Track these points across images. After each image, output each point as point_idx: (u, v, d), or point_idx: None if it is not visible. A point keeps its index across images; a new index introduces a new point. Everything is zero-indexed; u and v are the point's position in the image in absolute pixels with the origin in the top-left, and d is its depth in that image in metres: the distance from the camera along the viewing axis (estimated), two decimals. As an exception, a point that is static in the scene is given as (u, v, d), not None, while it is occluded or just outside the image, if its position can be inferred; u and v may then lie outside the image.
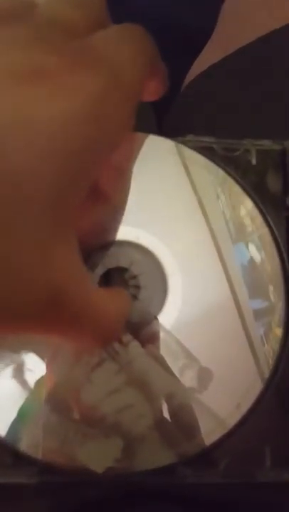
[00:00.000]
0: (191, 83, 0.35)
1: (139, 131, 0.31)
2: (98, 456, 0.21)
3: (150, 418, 0.22)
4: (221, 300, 0.24)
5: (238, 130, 0.28)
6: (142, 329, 0.23)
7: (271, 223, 0.25)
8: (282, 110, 0.29)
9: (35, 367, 0.22)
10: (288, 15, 0.31)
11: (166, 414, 0.22)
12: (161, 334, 0.23)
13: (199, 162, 0.25)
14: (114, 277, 0.24)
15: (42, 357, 0.22)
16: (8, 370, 0.22)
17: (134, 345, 0.22)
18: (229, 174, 0.25)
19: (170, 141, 0.25)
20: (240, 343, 0.23)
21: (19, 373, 0.22)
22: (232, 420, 0.22)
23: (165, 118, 0.34)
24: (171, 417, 0.22)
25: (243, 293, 0.24)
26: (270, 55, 0.31)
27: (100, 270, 0.23)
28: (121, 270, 0.24)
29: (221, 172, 0.25)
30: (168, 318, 0.23)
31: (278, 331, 0.23)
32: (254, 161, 0.26)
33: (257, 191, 0.25)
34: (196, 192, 0.25)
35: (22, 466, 0.21)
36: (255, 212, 0.25)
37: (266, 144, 0.26)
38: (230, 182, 0.25)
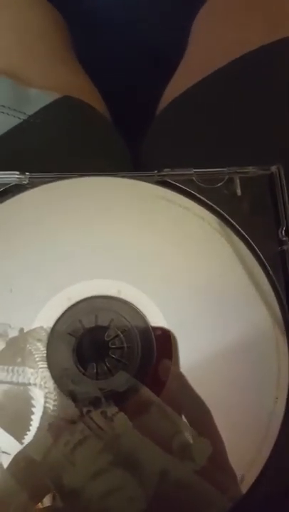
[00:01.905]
0: (165, 111, 0.33)
1: (113, 165, 0.29)
2: None
3: (142, 501, 0.19)
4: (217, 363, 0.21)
5: (216, 159, 0.25)
6: (129, 399, 0.21)
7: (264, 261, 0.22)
8: (264, 134, 0.27)
9: (10, 448, 0.20)
10: (262, 37, 0.29)
11: (161, 495, 0.19)
12: (152, 403, 0.21)
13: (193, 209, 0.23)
14: (92, 339, 0.22)
15: (17, 437, 0.20)
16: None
17: (121, 418, 0.20)
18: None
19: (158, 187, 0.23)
20: (241, 407, 0.20)
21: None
22: (236, 494, 0.20)
23: (139, 148, 0.32)
24: (167, 498, 0.19)
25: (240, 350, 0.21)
26: (246, 77, 0.29)
27: (74, 333, 0.21)
28: (100, 329, 0.22)
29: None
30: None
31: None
32: (239, 192, 0.23)
33: (245, 225, 0.23)
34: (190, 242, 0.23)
35: None
36: (246, 252, 0.22)
37: (251, 170, 0.24)
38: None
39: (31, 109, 0.29)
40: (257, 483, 0.20)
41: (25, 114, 0.28)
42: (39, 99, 0.29)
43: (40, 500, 0.19)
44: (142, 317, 0.22)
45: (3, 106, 0.28)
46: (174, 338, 0.21)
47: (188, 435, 0.20)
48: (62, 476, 0.19)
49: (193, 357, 0.21)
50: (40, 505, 0.19)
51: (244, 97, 0.29)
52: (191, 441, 0.20)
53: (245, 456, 0.20)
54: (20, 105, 0.28)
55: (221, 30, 0.33)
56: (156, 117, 0.34)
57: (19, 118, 0.28)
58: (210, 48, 0.33)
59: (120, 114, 0.36)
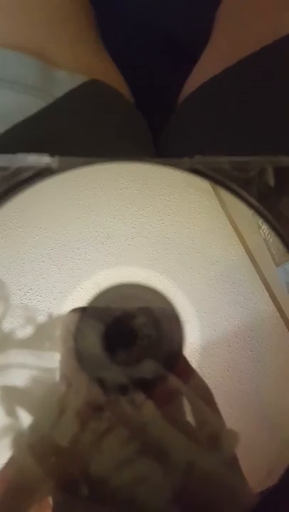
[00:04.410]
0: (189, 98, 0.32)
1: (137, 149, 0.29)
2: None
3: (169, 491, 0.19)
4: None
5: (240, 148, 0.25)
6: (157, 387, 0.20)
7: None
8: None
9: (37, 435, 0.20)
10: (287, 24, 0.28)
11: (188, 486, 0.19)
12: (180, 392, 0.20)
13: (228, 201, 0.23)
14: (122, 326, 0.21)
15: (43, 424, 0.20)
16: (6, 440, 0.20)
17: (149, 407, 0.20)
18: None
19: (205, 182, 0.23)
20: (275, 397, 0.20)
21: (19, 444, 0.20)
22: (264, 484, 0.19)
23: (162, 136, 0.32)
24: (194, 489, 0.19)
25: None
26: (271, 66, 0.28)
27: (102, 320, 0.21)
28: (128, 317, 0.21)
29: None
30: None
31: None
32: (272, 181, 0.23)
33: (276, 217, 0.22)
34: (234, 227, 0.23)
35: None
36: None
37: (285, 160, 0.23)
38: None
39: (59, 92, 0.28)
40: (285, 478, 0.19)
41: (52, 96, 0.28)
42: (67, 81, 0.29)
43: (66, 487, 0.19)
44: (170, 305, 0.21)
45: (32, 87, 0.27)
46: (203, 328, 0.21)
47: (217, 426, 0.20)
48: (89, 464, 0.19)
49: (224, 338, 0.21)
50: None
51: (273, 85, 0.28)
52: (220, 432, 0.20)
53: (272, 451, 0.20)
54: (48, 87, 0.28)
55: (248, 17, 0.32)
56: (180, 103, 0.33)
57: (47, 100, 0.28)
58: (236, 36, 0.33)
59: (141, 101, 0.35)
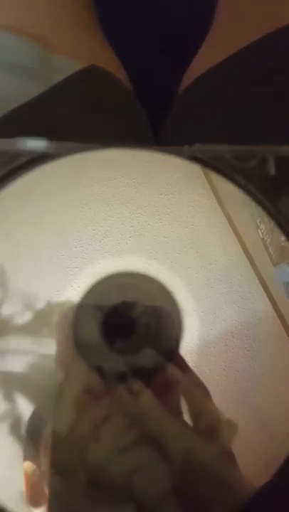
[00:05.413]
0: (188, 88, 0.32)
1: (135, 136, 0.29)
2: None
3: (167, 480, 0.19)
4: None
5: (241, 138, 0.25)
6: (156, 376, 0.20)
7: None
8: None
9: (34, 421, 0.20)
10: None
11: (186, 476, 0.19)
12: (178, 381, 0.20)
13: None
14: (121, 315, 0.21)
15: (41, 410, 0.20)
16: (4, 426, 0.20)
17: (147, 395, 0.20)
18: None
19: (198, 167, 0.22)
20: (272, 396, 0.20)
21: (16, 430, 0.20)
22: (261, 481, 0.19)
23: (161, 126, 0.32)
24: (191, 480, 0.19)
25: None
26: (271, 56, 0.28)
27: (100, 309, 0.21)
28: (127, 305, 0.21)
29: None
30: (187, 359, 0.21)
31: None
32: (273, 171, 0.23)
33: (277, 207, 0.22)
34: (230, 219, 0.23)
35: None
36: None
37: (287, 150, 0.23)
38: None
39: (58, 77, 0.28)
40: (282, 471, 0.19)
41: (51, 81, 0.28)
42: (66, 66, 0.28)
43: (63, 475, 0.19)
44: (170, 295, 0.21)
45: (31, 72, 0.27)
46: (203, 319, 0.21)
47: (215, 416, 0.20)
48: (87, 452, 0.19)
49: (221, 337, 0.21)
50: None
51: (274, 73, 0.28)
52: (218, 423, 0.20)
53: (270, 444, 0.20)
54: (47, 72, 0.28)
55: (249, 7, 0.32)
56: (181, 94, 0.33)
57: (45, 85, 0.28)
58: (237, 26, 0.32)
59: (140, 91, 0.35)
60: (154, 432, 0.19)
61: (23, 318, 0.20)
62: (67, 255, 0.21)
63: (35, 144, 0.22)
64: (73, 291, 0.21)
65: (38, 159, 0.22)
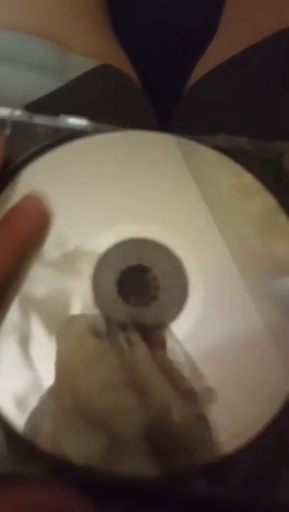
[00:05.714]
0: (195, 85, 0.34)
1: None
2: (79, 448, 0.20)
3: (140, 425, 0.21)
4: (244, 321, 0.23)
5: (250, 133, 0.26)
6: (153, 333, 0.22)
7: None
8: None
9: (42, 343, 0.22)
10: None
11: (158, 427, 0.21)
12: (171, 343, 0.22)
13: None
14: (135, 275, 0.24)
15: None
16: (14, 337, 0.22)
17: (142, 347, 0.22)
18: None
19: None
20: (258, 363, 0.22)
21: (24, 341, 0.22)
22: (228, 448, 0.21)
23: (168, 123, 0.33)
24: (162, 430, 0.21)
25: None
26: (274, 56, 0.30)
27: (120, 266, 0.23)
28: (143, 269, 0.24)
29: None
30: (181, 328, 0.23)
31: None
32: (287, 165, 0.25)
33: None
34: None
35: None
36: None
37: None
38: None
39: (72, 74, 0.30)
40: (254, 445, 0.21)
41: (66, 78, 0.30)
42: (80, 65, 0.31)
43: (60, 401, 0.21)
44: (181, 266, 0.24)
45: (49, 69, 0.29)
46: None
47: (199, 382, 0.22)
48: (78, 380, 0.21)
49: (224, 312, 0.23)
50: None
51: (280, 74, 0.30)
52: (197, 388, 0.21)
53: (243, 416, 0.21)
54: (63, 70, 0.30)
55: (255, 10, 0.34)
56: (189, 89, 0.35)
57: (61, 82, 0.30)
58: (242, 27, 0.34)
59: (149, 89, 0.36)
60: (140, 380, 0.21)
61: (53, 255, 0.23)
62: (101, 214, 0.24)
63: (76, 121, 0.25)
64: (99, 243, 0.23)
65: (77, 134, 0.25)
